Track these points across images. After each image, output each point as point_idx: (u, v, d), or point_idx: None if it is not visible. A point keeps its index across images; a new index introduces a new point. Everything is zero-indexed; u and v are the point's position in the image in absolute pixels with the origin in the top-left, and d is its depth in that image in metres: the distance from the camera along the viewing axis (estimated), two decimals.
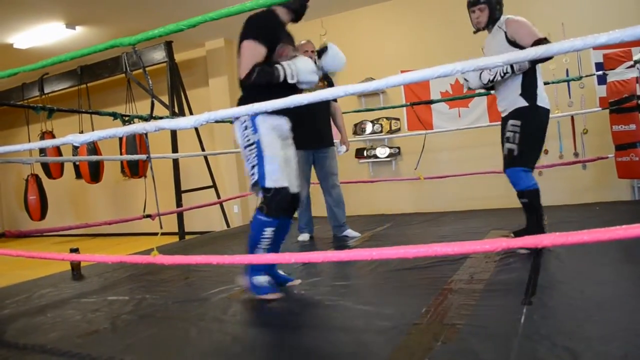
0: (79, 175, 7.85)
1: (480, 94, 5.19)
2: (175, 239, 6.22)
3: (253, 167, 2.40)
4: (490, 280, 2.46)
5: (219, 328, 2.16)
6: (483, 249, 1.49)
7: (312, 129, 4.08)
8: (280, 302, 2.54)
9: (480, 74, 3.04)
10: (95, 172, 7.49)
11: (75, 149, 7.08)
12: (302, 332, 2.01)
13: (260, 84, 2.39)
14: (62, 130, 5.20)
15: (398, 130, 6.50)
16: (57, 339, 2.15)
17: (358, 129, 6.71)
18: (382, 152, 6.62)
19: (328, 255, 1.84)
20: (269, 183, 2.36)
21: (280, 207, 2.39)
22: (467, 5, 3.09)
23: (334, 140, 4.27)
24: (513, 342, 1.65)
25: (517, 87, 2.97)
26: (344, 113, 6.04)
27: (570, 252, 2.78)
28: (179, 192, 6.77)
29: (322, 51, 2.65)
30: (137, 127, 2.16)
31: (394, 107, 6.03)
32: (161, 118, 4.48)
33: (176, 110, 6.84)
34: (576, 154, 5.54)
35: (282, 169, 2.41)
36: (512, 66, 2.90)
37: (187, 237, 6.37)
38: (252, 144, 2.40)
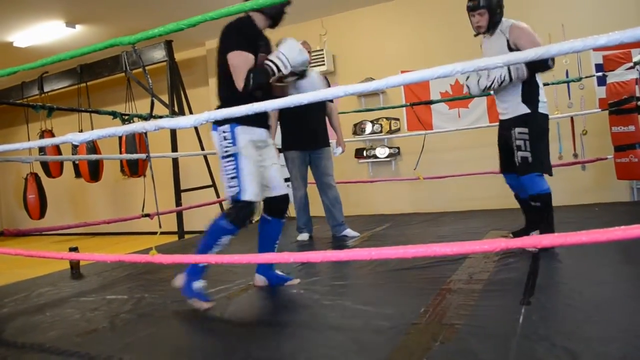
0: (78, 174, 7.84)
1: (480, 95, 5.19)
2: (175, 238, 6.22)
3: (231, 179, 2.39)
4: (489, 280, 2.46)
5: (218, 327, 2.16)
6: (482, 249, 1.49)
7: (307, 130, 4.09)
8: (279, 301, 2.54)
9: (479, 80, 3.06)
10: (94, 171, 7.47)
11: (75, 148, 7.08)
12: (300, 332, 2.01)
13: (258, 89, 2.35)
14: (61, 129, 5.20)
15: (398, 130, 6.50)
16: (55, 338, 2.15)
17: (358, 129, 6.71)
18: (381, 152, 6.62)
19: (327, 255, 1.84)
20: (246, 197, 2.36)
21: (246, 219, 2.40)
22: (467, 9, 3.08)
23: (330, 141, 4.26)
24: (512, 342, 1.65)
25: (518, 93, 2.99)
26: (343, 113, 6.07)
27: (569, 253, 2.78)
28: (178, 192, 6.77)
29: (277, 45, 2.52)
30: (137, 126, 2.16)
31: (393, 107, 6.03)
32: (161, 117, 4.48)
33: (176, 109, 6.84)
34: (575, 155, 5.54)
35: (257, 183, 2.42)
36: (510, 74, 2.91)
37: (186, 236, 6.36)
38: (230, 156, 2.39)
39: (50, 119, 4.12)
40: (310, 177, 4.28)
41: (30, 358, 1.98)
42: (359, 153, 6.76)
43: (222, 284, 2.82)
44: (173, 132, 6.61)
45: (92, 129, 4.95)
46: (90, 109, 4.91)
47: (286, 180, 5.28)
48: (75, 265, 3.60)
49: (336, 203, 4.21)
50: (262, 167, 2.54)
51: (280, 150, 4.31)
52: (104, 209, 9.02)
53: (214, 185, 7.10)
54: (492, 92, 3.16)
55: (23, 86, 8.27)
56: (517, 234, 3.37)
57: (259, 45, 2.47)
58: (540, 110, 3.00)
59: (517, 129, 3.01)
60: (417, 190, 6.24)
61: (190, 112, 6.96)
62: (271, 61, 2.35)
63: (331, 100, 4.14)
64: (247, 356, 1.81)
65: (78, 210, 9.51)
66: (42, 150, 7.27)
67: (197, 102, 7.29)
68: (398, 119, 6.51)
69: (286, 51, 2.37)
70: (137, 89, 7.11)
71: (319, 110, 4.11)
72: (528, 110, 2.99)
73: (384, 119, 6.54)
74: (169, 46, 6.95)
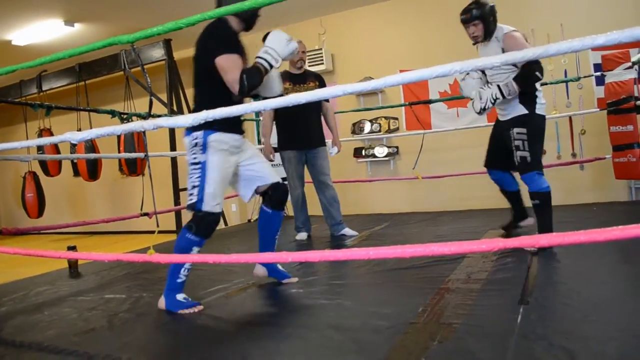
0: (76, 172, 7.83)
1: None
2: (173, 237, 6.20)
3: (194, 187, 2.36)
4: (487, 279, 2.46)
5: (216, 327, 2.16)
6: (480, 249, 1.49)
7: (303, 129, 4.09)
8: (277, 301, 2.54)
9: (473, 104, 3.16)
10: (93, 170, 7.47)
11: (73, 147, 7.07)
12: (298, 332, 2.01)
13: (254, 89, 2.35)
14: (60, 128, 5.19)
15: (396, 129, 6.50)
16: (53, 337, 2.14)
17: (356, 128, 6.71)
18: (380, 151, 6.62)
19: (325, 254, 1.84)
20: (206, 207, 2.35)
21: (209, 229, 2.39)
22: (461, 22, 3.13)
23: (326, 141, 4.26)
24: (510, 341, 1.65)
25: (515, 95, 3.05)
26: (342, 112, 6.09)
27: (568, 252, 2.79)
28: (177, 191, 6.77)
29: (264, 38, 2.50)
30: (136, 125, 2.16)
31: (392, 107, 6.04)
32: (160, 116, 4.47)
33: (175, 108, 6.83)
34: (574, 155, 5.54)
35: (220, 193, 2.40)
36: (501, 91, 3.00)
37: None
38: (197, 164, 2.36)
39: (48, 118, 4.11)
40: (307, 177, 4.28)
41: (28, 357, 1.98)
42: (357, 152, 6.76)
43: (221, 284, 2.82)
44: (172, 131, 6.60)
45: (91, 127, 4.94)
46: (88, 108, 4.91)
47: (283, 180, 5.32)
48: (73, 264, 3.59)
49: (334, 202, 4.20)
50: (243, 168, 2.54)
51: (276, 150, 4.31)
52: (103, 207, 9.02)
53: None
54: (488, 110, 3.19)
55: (21, 84, 8.26)
56: (506, 228, 3.56)
57: (242, 47, 2.46)
58: (538, 111, 3.07)
59: (516, 129, 3.07)
60: (416, 189, 6.25)
61: (189, 111, 6.94)
62: (262, 58, 2.33)
63: (327, 100, 4.13)
64: (246, 356, 1.81)
65: (76, 209, 9.50)
66: (40, 149, 7.26)
67: None
68: (397, 118, 6.52)
69: (274, 44, 2.34)
70: (136, 87, 7.10)
71: (314, 110, 4.11)
72: (526, 111, 3.06)
73: (383, 118, 6.54)
74: (167, 45, 6.95)
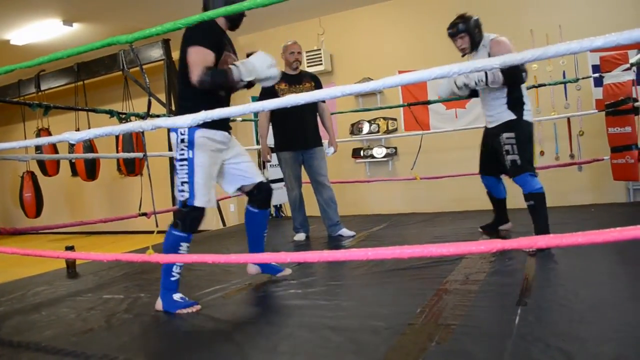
0: (75, 172, 7.82)
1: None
2: None
3: (183, 183, 2.38)
4: (485, 281, 2.46)
5: (214, 327, 2.16)
6: (478, 250, 1.49)
7: (299, 130, 4.08)
8: (275, 301, 2.54)
9: (455, 81, 3.25)
10: (91, 170, 7.46)
11: (72, 147, 7.06)
12: (296, 332, 2.01)
13: (212, 88, 2.34)
14: (58, 128, 5.19)
15: (395, 130, 6.51)
16: (51, 337, 2.14)
17: (355, 128, 6.71)
18: (378, 152, 6.62)
19: (323, 255, 1.84)
20: (197, 203, 2.37)
21: (194, 224, 2.41)
22: (448, 35, 3.29)
23: (323, 141, 4.26)
24: (507, 342, 1.66)
25: (503, 101, 3.20)
26: (341, 112, 6.09)
27: (566, 254, 2.79)
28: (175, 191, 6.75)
29: (249, 55, 2.49)
30: (134, 125, 2.15)
31: (391, 107, 6.04)
32: (158, 116, 4.47)
33: (173, 108, 6.83)
34: (572, 156, 5.55)
35: (209, 189, 2.41)
36: (487, 77, 3.09)
37: None
38: (185, 160, 2.38)
39: (47, 118, 4.11)
40: (306, 177, 4.28)
41: (26, 357, 1.98)
42: (356, 153, 6.77)
43: (218, 284, 2.82)
44: (169, 132, 6.58)
45: (89, 127, 4.93)
46: (87, 108, 4.90)
47: (280, 180, 5.32)
48: (71, 264, 3.59)
49: (331, 203, 4.20)
50: (229, 165, 2.56)
51: (272, 150, 4.31)
52: (101, 207, 9.01)
53: None
54: (461, 94, 3.36)
55: (20, 84, 8.25)
56: (485, 228, 3.75)
57: (223, 44, 2.46)
58: (525, 117, 3.20)
59: (505, 134, 3.20)
60: (414, 190, 6.25)
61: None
62: (236, 67, 2.33)
63: (323, 100, 4.13)
64: (243, 356, 1.81)
65: (74, 209, 9.49)
66: (38, 148, 7.25)
67: None
68: (395, 119, 6.52)
69: (256, 62, 2.34)
70: (135, 87, 7.09)
71: (310, 110, 4.10)
72: (514, 117, 3.18)
73: (382, 119, 6.55)
74: (166, 45, 6.94)
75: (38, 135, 7.39)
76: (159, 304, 2.42)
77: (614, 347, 1.58)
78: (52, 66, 7.52)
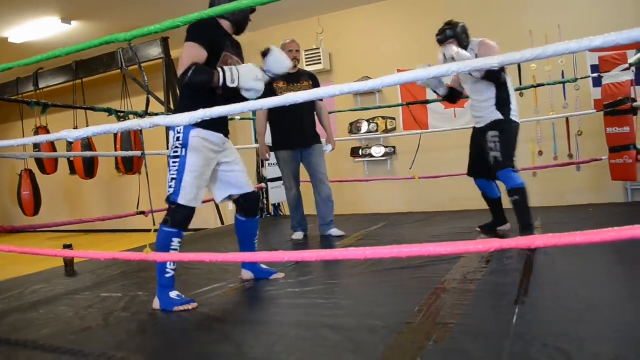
0: (73, 171, 7.82)
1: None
2: None
3: (172, 179, 2.42)
4: (483, 280, 2.46)
5: (211, 325, 2.16)
6: (476, 249, 1.49)
7: (297, 128, 4.08)
8: (272, 300, 2.54)
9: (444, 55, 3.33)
10: (89, 168, 7.46)
11: (70, 145, 7.05)
12: (294, 331, 2.01)
13: (194, 86, 2.35)
14: (56, 126, 5.17)
15: (394, 129, 6.51)
16: (49, 335, 2.14)
17: (354, 128, 6.71)
18: (377, 151, 6.63)
19: (321, 254, 1.84)
20: (180, 200, 2.40)
21: (182, 220, 2.43)
22: (437, 42, 3.40)
23: (321, 139, 4.26)
24: (505, 342, 1.66)
25: (492, 102, 3.33)
26: (340, 112, 6.09)
27: (564, 253, 2.79)
28: None
29: (265, 54, 2.55)
30: (132, 123, 2.15)
31: (389, 107, 6.04)
32: (157, 115, 4.47)
33: (172, 107, 6.82)
34: (570, 156, 5.56)
35: (196, 189, 2.44)
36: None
37: None
38: (177, 157, 2.42)
39: (45, 116, 4.10)
40: (304, 176, 4.27)
41: (24, 355, 1.97)
42: (354, 152, 6.77)
43: (216, 282, 2.82)
44: (169, 130, 6.57)
45: (88, 125, 4.92)
46: (85, 106, 4.90)
47: (278, 179, 5.32)
48: (69, 263, 3.58)
49: (328, 202, 4.19)
50: (222, 172, 2.61)
51: (271, 149, 4.31)
52: (99, 206, 9.00)
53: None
54: (437, 85, 3.56)
55: (18, 82, 8.23)
56: (483, 228, 3.78)
57: (223, 45, 2.48)
58: (512, 117, 3.33)
59: (491, 132, 3.33)
60: (413, 189, 6.25)
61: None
62: (223, 70, 2.33)
63: (321, 99, 4.12)
64: (241, 354, 1.81)
65: (72, 207, 9.48)
66: (36, 146, 7.24)
67: None
68: (394, 118, 6.52)
69: (243, 72, 2.34)
70: (133, 86, 7.08)
71: (308, 109, 4.10)
72: (502, 117, 3.32)
73: (380, 118, 6.55)
74: (165, 43, 6.93)
75: (36, 133, 7.38)
76: (156, 303, 2.42)
77: (612, 347, 1.58)
78: (51, 64, 7.51)
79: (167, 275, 2.41)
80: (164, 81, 6.90)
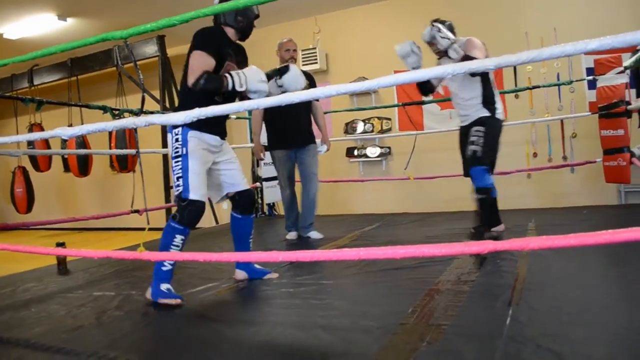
0: (67, 168, 7.79)
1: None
2: None
3: (178, 178, 2.48)
4: (477, 281, 2.47)
5: (205, 325, 2.15)
6: (471, 251, 1.49)
7: (292, 128, 4.07)
8: (266, 300, 2.54)
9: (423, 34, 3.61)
10: (83, 166, 7.43)
11: (64, 142, 7.02)
12: (288, 331, 2.00)
13: (204, 92, 2.44)
14: (51, 123, 5.16)
15: (389, 130, 6.51)
16: (41, 334, 2.13)
17: (349, 128, 6.72)
18: (372, 151, 6.63)
19: (315, 254, 1.84)
20: (190, 195, 2.45)
21: (192, 217, 2.48)
22: (425, 41, 3.55)
23: (316, 140, 4.25)
24: (498, 343, 1.66)
25: (478, 100, 3.41)
26: (335, 112, 6.09)
27: (557, 255, 2.80)
28: (167, 188, 6.73)
29: (283, 70, 2.67)
30: (127, 121, 2.15)
31: (385, 107, 6.05)
32: (152, 113, 4.45)
33: (167, 105, 6.81)
34: (565, 158, 5.58)
35: (202, 183, 2.52)
36: (451, 49, 3.37)
37: None
38: (179, 157, 2.49)
39: (39, 113, 4.08)
40: (297, 176, 4.26)
41: (16, 354, 1.96)
42: (350, 152, 6.77)
43: (210, 282, 2.81)
44: (163, 128, 6.55)
45: (82, 123, 4.91)
46: (80, 103, 4.88)
47: (273, 179, 5.31)
48: (62, 261, 3.56)
49: (313, 204, 4.18)
50: (217, 170, 2.67)
51: (266, 149, 4.30)
52: (93, 204, 8.97)
53: None
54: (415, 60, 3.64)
55: (13, 78, 8.20)
56: (476, 229, 3.72)
57: (227, 54, 2.57)
58: (497, 115, 3.42)
59: (475, 128, 3.41)
60: (408, 190, 6.26)
61: None
62: (231, 76, 2.42)
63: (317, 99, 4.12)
64: (235, 354, 1.80)
65: (66, 205, 9.44)
66: (30, 143, 7.20)
67: None
68: (389, 119, 6.53)
69: (250, 75, 2.44)
70: (129, 83, 7.06)
71: (303, 109, 4.09)
72: (488, 114, 3.40)
73: (376, 119, 6.56)
74: (161, 41, 6.92)
75: (30, 130, 7.35)
76: (148, 292, 2.49)
77: (605, 349, 1.59)
78: (46, 61, 7.48)
79: (164, 269, 2.45)
80: (160, 79, 6.88)
